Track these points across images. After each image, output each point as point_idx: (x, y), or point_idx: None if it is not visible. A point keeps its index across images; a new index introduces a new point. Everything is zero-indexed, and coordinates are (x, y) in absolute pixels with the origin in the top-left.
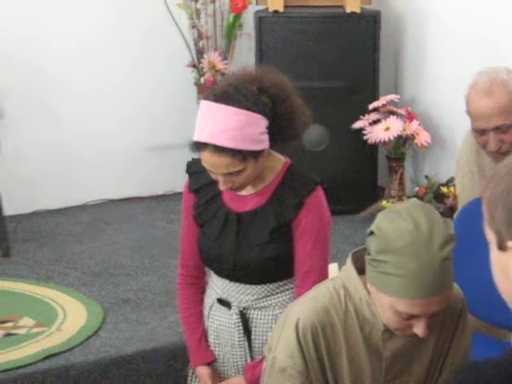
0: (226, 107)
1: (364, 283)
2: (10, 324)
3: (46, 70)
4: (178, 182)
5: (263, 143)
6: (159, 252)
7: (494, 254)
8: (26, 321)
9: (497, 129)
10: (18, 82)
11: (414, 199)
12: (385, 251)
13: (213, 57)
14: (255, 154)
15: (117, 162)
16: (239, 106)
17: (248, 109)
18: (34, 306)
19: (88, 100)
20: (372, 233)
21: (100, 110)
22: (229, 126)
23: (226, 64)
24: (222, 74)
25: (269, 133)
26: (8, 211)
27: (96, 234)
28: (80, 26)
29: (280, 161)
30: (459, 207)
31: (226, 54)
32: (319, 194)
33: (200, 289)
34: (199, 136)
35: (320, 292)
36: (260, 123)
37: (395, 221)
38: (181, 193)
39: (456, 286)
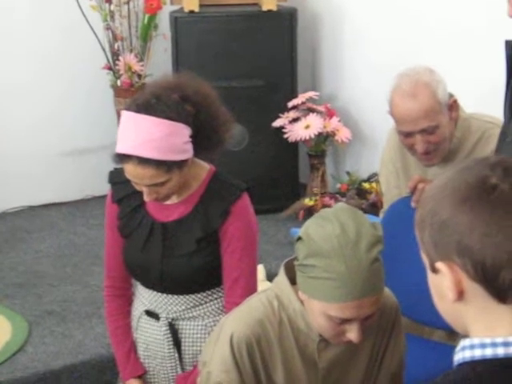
0: (148, 117)
1: (297, 293)
2: None
3: None
4: (97, 185)
5: (187, 152)
6: (81, 259)
7: (429, 276)
8: None
9: (423, 131)
10: None
11: (341, 203)
12: (313, 255)
13: (129, 58)
14: (180, 164)
15: (34, 167)
16: (161, 116)
17: (170, 118)
18: None
19: (1, 110)
20: (300, 238)
21: (13, 114)
22: (152, 136)
23: (143, 65)
24: (139, 76)
25: (193, 141)
26: None
27: (16, 243)
28: None
29: (204, 168)
30: (385, 206)
31: (142, 56)
32: (245, 200)
33: (127, 300)
34: (122, 148)
35: (253, 304)
36: (183, 132)
37: (322, 225)
38: (100, 197)
39: (388, 290)
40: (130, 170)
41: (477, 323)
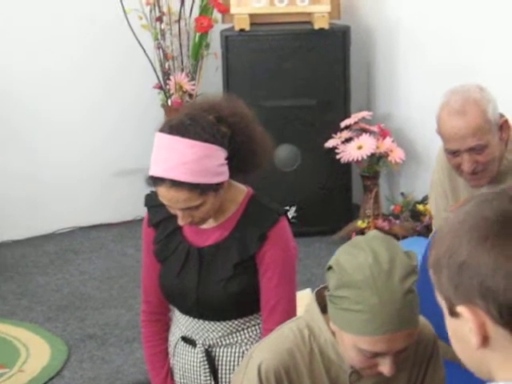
0: (182, 140)
1: (328, 323)
2: None
3: (15, 98)
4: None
5: (222, 175)
6: (128, 282)
7: (448, 321)
8: None
9: (471, 150)
10: None
11: (375, 231)
12: (344, 286)
13: (180, 78)
14: (214, 187)
15: (86, 188)
16: (196, 138)
17: (205, 140)
18: None
19: (57, 127)
20: (330, 268)
21: (69, 137)
22: (185, 159)
23: (194, 85)
24: (190, 96)
25: (229, 163)
26: None
27: (63, 265)
28: (49, 55)
29: (241, 191)
30: (434, 229)
31: (193, 75)
32: (283, 225)
33: (164, 326)
34: (155, 170)
35: (283, 333)
36: (218, 155)
37: (354, 254)
38: None
39: (425, 320)
40: (164, 194)
41: (503, 370)
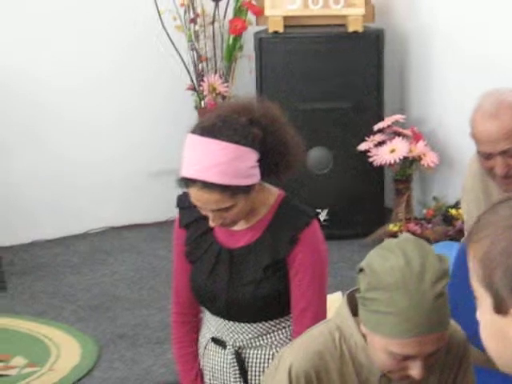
0: (214, 141)
1: (359, 325)
2: (1, 364)
3: (50, 101)
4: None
5: (254, 177)
6: (159, 283)
7: (488, 316)
8: (18, 360)
9: (504, 153)
10: (18, 113)
11: (407, 234)
12: (374, 288)
13: (213, 79)
14: (246, 189)
15: (119, 189)
16: (227, 140)
17: (237, 142)
18: (27, 344)
19: (90, 129)
20: (362, 270)
21: (102, 139)
22: (217, 161)
23: (227, 87)
24: (223, 97)
25: (260, 165)
26: (5, 242)
27: (95, 265)
28: (84, 57)
29: (273, 194)
30: (466, 235)
31: (226, 77)
32: (315, 228)
33: (195, 327)
34: (186, 172)
35: (313, 335)
36: (250, 157)
37: (385, 256)
38: None
39: (455, 324)
40: (195, 195)
41: None
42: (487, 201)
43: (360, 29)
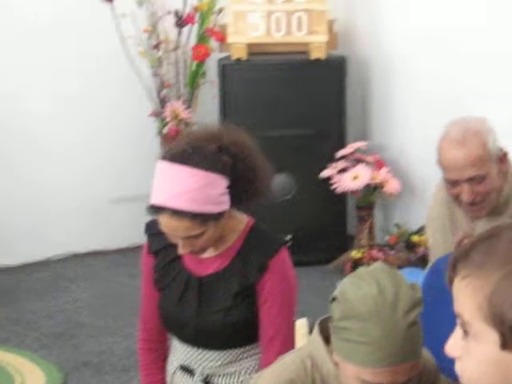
0: (184, 168)
1: (331, 353)
2: None
3: (12, 126)
4: (143, 234)
5: (223, 204)
6: (124, 310)
7: (489, 352)
8: None
9: (470, 180)
10: None
11: (379, 262)
12: (348, 317)
13: (176, 105)
14: (215, 216)
15: (81, 215)
16: (197, 167)
17: (207, 169)
18: None
19: (52, 154)
20: (335, 298)
21: (65, 165)
22: (187, 188)
23: (190, 113)
24: (186, 124)
25: (230, 192)
26: None
27: (58, 292)
28: (46, 82)
29: (242, 221)
30: (430, 261)
31: (189, 103)
32: (284, 255)
33: (162, 355)
34: (156, 199)
35: (285, 363)
36: (220, 184)
37: (358, 285)
38: None
39: (427, 352)
40: (165, 222)
41: None
42: (453, 229)
43: (323, 56)
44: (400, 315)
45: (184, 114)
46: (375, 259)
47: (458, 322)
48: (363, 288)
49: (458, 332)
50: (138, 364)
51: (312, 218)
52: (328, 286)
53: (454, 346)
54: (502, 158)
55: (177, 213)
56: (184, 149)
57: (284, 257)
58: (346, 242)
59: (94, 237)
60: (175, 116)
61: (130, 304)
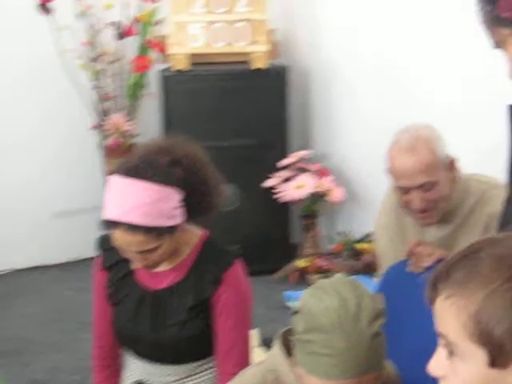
0: (137, 182)
1: (293, 366)
2: None
3: None
4: (85, 247)
5: (177, 218)
6: (69, 325)
7: (476, 370)
8: None
9: (421, 187)
10: None
11: (340, 274)
12: (311, 330)
13: (117, 118)
14: (170, 230)
15: (21, 229)
16: (151, 181)
17: (160, 183)
18: None
19: None
20: (297, 311)
21: (3, 178)
22: (140, 202)
23: (132, 125)
24: (128, 136)
25: (183, 205)
26: None
27: (1, 308)
28: None
29: (196, 234)
30: (380, 270)
31: (131, 115)
32: (239, 267)
33: (116, 371)
34: (109, 214)
35: (246, 378)
36: (173, 197)
37: (320, 297)
38: (88, 259)
39: (389, 364)
40: (119, 237)
41: None
42: (402, 236)
43: (264, 66)
44: (363, 326)
45: (126, 126)
46: (320, 268)
47: (441, 341)
48: (325, 300)
49: (440, 352)
50: (86, 381)
51: (256, 228)
52: (274, 295)
53: (437, 365)
54: (451, 165)
55: (131, 227)
56: (136, 163)
57: (238, 269)
58: (291, 252)
59: (35, 252)
60: (117, 129)
61: (78, 319)
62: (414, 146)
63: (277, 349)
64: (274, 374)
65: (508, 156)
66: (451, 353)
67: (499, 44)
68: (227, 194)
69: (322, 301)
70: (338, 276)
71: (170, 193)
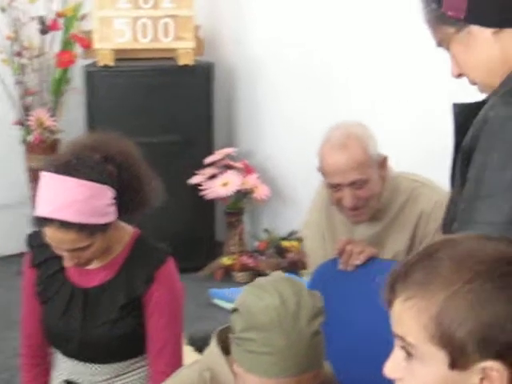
0: (69, 179)
1: (230, 364)
2: None
3: None
4: (8, 244)
5: (110, 215)
6: None
7: (437, 373)
8: None
9: (353, 184)
10: None
11: (279, 272)
12: (250, 328)
13: (40, 113)
14: (103, 228)
15: None
16: (83, 178)
17: (93, 180)
18: None
19: None
20: (236, 310)
21: None
22: (73, 199)
23: (55, 121)
24: (51, 131)
25: (116, 203)
26: None
27: None
28: None
29: (127, 231)
30: (309, 267)
31: (54, 111)
32: (170, 265)
33: (45, 370)
34: (41, 211)
35: (183, 376)
36: (106, 194)
37: (259, 296)
38: (11, 256)
39: (327, 364)
40: (51, 234)
41: None
42: (331, 234)
43: (190, 62)
44: (303, 324)
45: (49, 121)
46: (246, 265)
47: (398, 343)
48: (264, 299)
49: (397, 353)
50: (14, 380)
51: (181, 226)
52: (200, 293)
53: (394, 368)
54: (382, 163)
55: (64, 225)
56: (68, 159)
57: (170, 268)
58: (216, 249)
59: None
60: (40, 124)
61: (6, 317)
62: (345, 143)
63: (213, 347)
64: (210, 372)
65: (452, 155)
66: (409, 354)
67: (442, 43)
68: (159, 190)
69: (261, 299)
70: (277, 274)
71: (103, 190)
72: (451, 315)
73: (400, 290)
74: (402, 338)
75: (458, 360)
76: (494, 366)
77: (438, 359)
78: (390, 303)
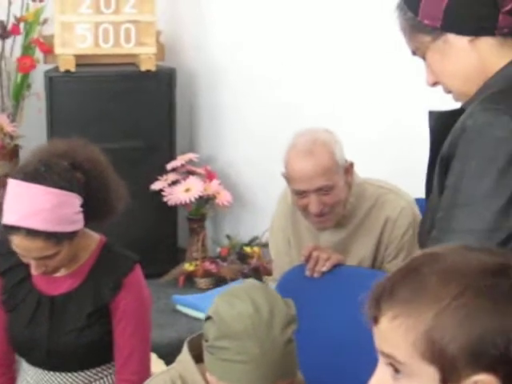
0: (37, 187)
1: (203, 373)
2: None
3: None
4: None
5: (78, 223)
6: None
7: None
8: None
9: (318, 190)
10: None
11: (252, 280)
12: (223, 337)
13: (0, 119)
14: (70, 236)
15: None
16: (51, 185)
17: (61, 188)
18: None
19: None
20: (209, 318)
21: None
22: (40, 207)
23: (15, 126)
24: (11, 137)
25: (83, 210)
26: None
27: None
28: None
29: (94, 239)
30: (275, 274)
31: (14, 116)
32: (137, 273)
33: (11, 379)
34: (8, 219)
35: None
36: (74, 202)
37: (233, 304)
38: None
39: (299, 374)
40: (18, 242)
41: None
42: (297, 240)
43: (152, 68)
44: (276, 332)
45: (9, 127)
46: (208, 271)
47: (383, 360)
48: (237, 306)
49: (383, 370)
50: None
51: (143, 231)
52: (162, 299)
53: None
54: (348, 168)
55: (31, 233)
56: (36, 167)
57: (137, 275)
58: (178, 255)
59: None
60: (0, 130)
61: None
62: (311, 149)
63: (185, 355)
64: (182, 381)
65: (428, 164)
66: (397, 371)
67: (418, 51)
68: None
69: (234, 307)
70: (250, 281)
71: (71, 197)
72: (441, 332)
73: (386, 307)
74: (389, 356)
75: (450, 375)
76: (486, 379)
77: (428, 375)
78: (375, 320)
